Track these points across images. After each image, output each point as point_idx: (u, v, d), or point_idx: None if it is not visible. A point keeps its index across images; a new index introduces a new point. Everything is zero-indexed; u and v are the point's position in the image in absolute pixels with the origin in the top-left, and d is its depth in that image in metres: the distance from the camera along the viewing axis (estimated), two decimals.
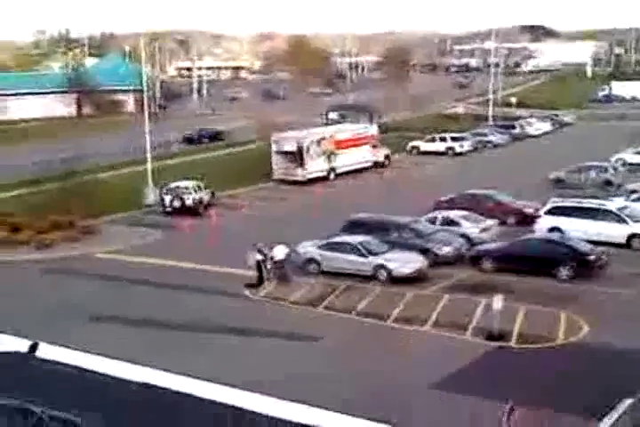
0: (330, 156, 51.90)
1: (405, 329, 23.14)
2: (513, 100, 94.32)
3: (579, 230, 31.20)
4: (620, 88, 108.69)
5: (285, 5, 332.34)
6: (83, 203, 37.11)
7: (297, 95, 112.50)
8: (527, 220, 34.64)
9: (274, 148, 51.22)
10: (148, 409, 5.00)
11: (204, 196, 42.05)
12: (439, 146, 62.54)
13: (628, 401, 13.74)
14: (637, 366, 19.74)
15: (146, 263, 31.64)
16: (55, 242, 34.17)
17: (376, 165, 55.78)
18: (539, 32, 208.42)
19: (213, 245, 33.79)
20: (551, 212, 33.34)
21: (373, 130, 58.25)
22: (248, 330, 23.36)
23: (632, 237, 31.47)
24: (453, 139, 63.13)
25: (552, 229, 32.23)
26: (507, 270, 28.15)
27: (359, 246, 28.67)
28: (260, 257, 28.12)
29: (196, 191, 41.49)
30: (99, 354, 5.13)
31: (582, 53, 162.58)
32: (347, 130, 56.88)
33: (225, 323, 24.05)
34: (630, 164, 51.01)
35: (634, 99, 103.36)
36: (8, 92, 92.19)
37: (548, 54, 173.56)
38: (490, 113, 78.73)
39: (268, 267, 28.22)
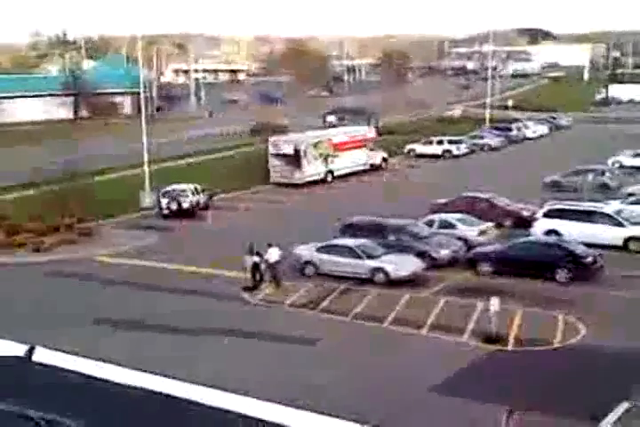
0: (327, 158, 51.94)
1: (403, 332, 23.14)
2: (510, 102, 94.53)
3: (576, 233, 31.25)
4: (618, 91, 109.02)
5: (284, 8, 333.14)
6: (81, 205, 37.06)
7: (295, 98, 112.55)
8: (524, 222, 34.67)
9: (271, 150, 51.00)
10: (148, 415, 4.97)
11: (201, 198, 42.02)
12: (436, 149, 62.52)
13: (626, 404, 13.76)
14: (635, 368, 19.75)
15: (142, 266, 31.59)
16: (53, 245, 34.12)
17: (373, 167, 55.88)
18: (537, 35, 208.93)
19: (210, 248, 33.77)
20: (548, 214, 33.39)
21: (371, 133, 58.34)
22: (242, 332, 23.32)
23: (629, 239, 31.52)
24: (450, 141, 63.17)
25: (549, 232, 32.26)
26: (504, 273, 28.20)
27: (356, 249, 28.62)
28: (257, 259, 28.12)
29: (193, 194, 41.46)
30: (98, 359, 5.13)
31: (580, 56, 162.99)
32: (344, 133, 56.86)
33: (223, 326, 24.00)
34: (627, 166, 51.10)
35: (631, 101, 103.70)
36: (3, 95, 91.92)
37: (546, 57, 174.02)
38: (487, 116, 78.81)
39: (263, 269, 28.22)
